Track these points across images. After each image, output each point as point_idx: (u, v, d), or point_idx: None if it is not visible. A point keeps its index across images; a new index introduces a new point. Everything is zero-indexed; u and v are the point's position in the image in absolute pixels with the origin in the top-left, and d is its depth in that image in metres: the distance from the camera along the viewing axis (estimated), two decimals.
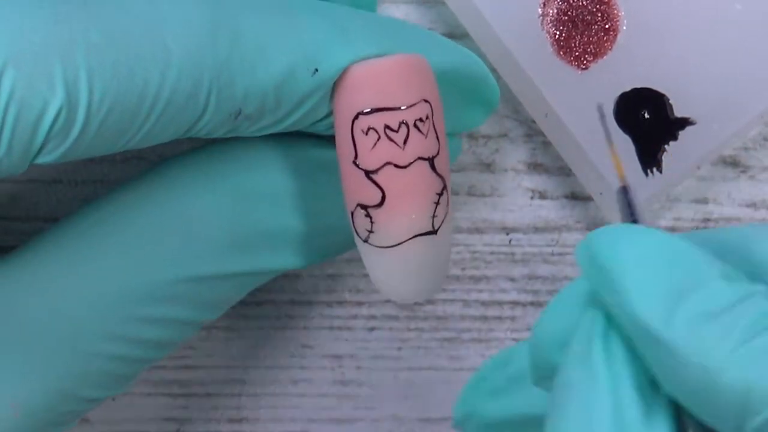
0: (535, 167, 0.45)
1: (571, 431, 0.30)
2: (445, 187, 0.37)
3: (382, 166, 0.36)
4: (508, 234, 0.46)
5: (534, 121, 0.44)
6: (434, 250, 0.37)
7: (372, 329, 0.46)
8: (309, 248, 0.40)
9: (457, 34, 0.45)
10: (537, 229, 0.45)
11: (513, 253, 0.46)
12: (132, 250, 0.37)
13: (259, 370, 0.46)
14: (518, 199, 0.45)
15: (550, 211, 0.45)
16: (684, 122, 0.42)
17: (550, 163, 0.45)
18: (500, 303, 0.46)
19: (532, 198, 0.45)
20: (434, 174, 0.36)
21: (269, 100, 0.35)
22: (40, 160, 0.33)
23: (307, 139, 0.39)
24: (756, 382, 0.28)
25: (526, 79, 0.42)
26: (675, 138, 0.42)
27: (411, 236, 0.36)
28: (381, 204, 0.36)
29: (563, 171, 0.45)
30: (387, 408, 0.46)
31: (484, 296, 0.46)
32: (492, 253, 0.46)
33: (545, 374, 0.33)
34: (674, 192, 0.45)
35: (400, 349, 0.46)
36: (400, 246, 0.36)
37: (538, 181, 0.45)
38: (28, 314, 0.37)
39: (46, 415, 0.37)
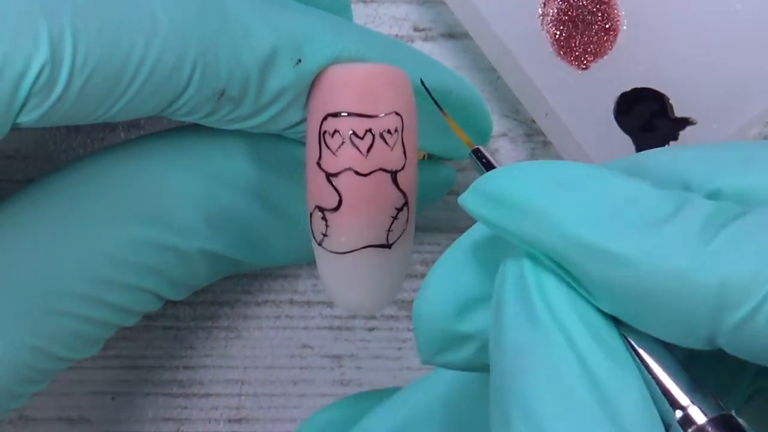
0: None
1: (547, 399, 0.28)
2: (406, 204, 0.36)
3: (343, 171, 0.36)
4: None
5: (534, 121, 0.44)
6: (386, 264, 0.37)
7: (372, 329, 0.46)
8: (277, 245, 0.40)
9: (457, 34, 0.45)
10: None
11: None
12: (102, 213, 0.38)
13: (259, 370, 0.46)
14: None
15: None
16: (684, 122, 0.42)
17: None
18: None
19: None
20: (395, 188, 0.36)
21: (252, 84, 0.35)
22: (22, 118, 0.33)
23: (283, 140, 0.39)
24: (731, 276, 0.27)
25: (526, 79, 0.42)
26: (675, 138, 0.42)
27: (362, 246, 0.36)
28: (337, 209, 0.36)
29: None
30: None
31: None
32: None
33: (443, 347, 0.32)
34: None
35: (400, 349, 0.46)
36: (350, 254, 0.36)
37: None
38: (0, 271, 0.37)
39: (22, 371, 0.37)
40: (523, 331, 0.29)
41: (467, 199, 0.30)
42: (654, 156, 0.31)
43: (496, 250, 0.32)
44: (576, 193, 0.29)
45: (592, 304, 0.29)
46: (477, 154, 0.33)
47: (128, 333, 0.46)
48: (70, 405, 0.46)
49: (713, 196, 0.30)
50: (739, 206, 0.29)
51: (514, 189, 0.29)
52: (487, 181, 0.30)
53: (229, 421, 0.46)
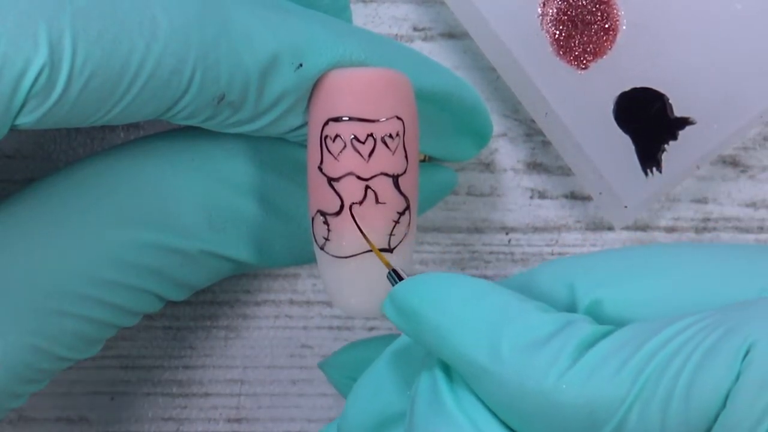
0: (534, 167, 0.45)
1: None
2: (408, 208, 0.37)
3: (344, 176, 0.36)
4: (507, 234, 0.46)
5: (533, 121, 0.44)
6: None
7: (372, 329, 0.46)
8: (278, 246, 0.40)
9: (457, 34, 0.45)
10: (536, 229, 0.45)
11: (512, 253, 0.46)
12: (103, 214, 0.38)
13: (259, 370, 0.46)
14: (518, 198, 0.45)
15: (549, 210, 0.45)
16: (684, 122, 0.42)
17: (550, 162, 0.45)
18: None
19: (531, 198, 0.45)
20: (397, 192, 0.36)
21: (252, 89, 0.35)
22: (20, 120, 0.33)
23: (285, 142, 0.39)
24: (593, 395, 0.29)
25: (525, 78, 0.42)
26: (675, 138, 0.42)
27: (364, 250, 0.36)
28: (339, 213, 0.36)
29: (563, 171, 0.45)
30: None
31: None
32: (491, 252, 0.46)
33: None
34: (674, 192, 0.45)
35: None
36: (352, 258, 0.36)
37: (537, 181, 0.45)
38: (1, 271, 0.37)
39: (22, 371, 0.37)
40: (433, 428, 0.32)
41: (386, 307, 0.34)
42: (546, 269, 0.34)
43: (418, 356, 0.35)
44: (466, 311, 0.32)
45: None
46: (395, 273, 0.35)
47: (128, 333, 0.46)
48: (69, 405, 0.46)
49: (595, 305, 0.33)
50: (612, 325, 0.31)
51: (415, 302, 0.32)
52: (396, 292, 0.33)
53: (229, 420, 0.46)
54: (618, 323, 0.32)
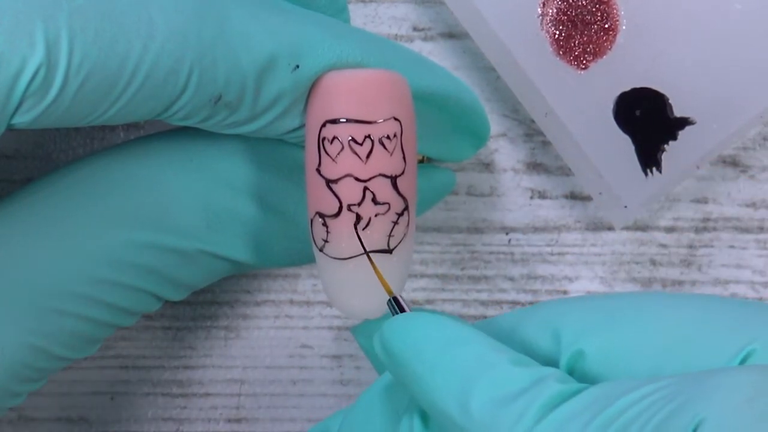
0: (534, 167, 0.45)
1: None
2: (406, 208, 0.37)
3: (342, 177, 0.36)
4: (507, 234, 0.46)
5: (533, 121, 0.44)
6: (387, 269, 0.37)
7: None
8: (277, 246, 0.40)
9: (457, 34, 0.45)
10: (536, 229, 0.45)
11: (512, 253, 0.46)
12: (101, 213, 0.38)
13: (259, 370, 0.46)
14: (517, 198, 0.45)
15: (549, 210, 0.45)
16: (684, 122, 0.42)
17: (550, 162, 0.45)
18: (499, 303, 0.46)
19: (531, 198, 0.45)
20: (395, 193, 0.36)
21: (249, 90, 0.35)
22: (17, 119, 0.33)
23: (283, 143, 0.39)
24: None
25: (525, 79, 0.42)
26: (675, 138, 0.42)
27: (363, 252, 0.36)
28: (338, 215, 0.36)
29: (563, 171, 0.45)
30: None
31: (483, 296, 0.46)
32: (491, 252, 0.46)
33: None
34: (674, 192, 0.45)
35: None
36: (352, 260, 0.36)
37: (537, 181, 0.45)
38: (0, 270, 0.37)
39: (20, 370, 0.37)
40: None
41: (376, 344, 0.34)
42: (536, 313, 0.35)
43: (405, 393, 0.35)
44: (441, 360, 0.32)
45: None
46: (395, 301, 0.35)
47: (128, 333, 0.46)
48: (69, 405, 0.46)
49: (578, 356, 0.33)
50: (592, 377, 0.32)
51: (397, 346, 0.33)
52: (383, 332, 0.33)
53: (229, 420, 0.46)
54: (598, 376, 0.32)
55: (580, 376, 0.33)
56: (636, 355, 0.33)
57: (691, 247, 0.45)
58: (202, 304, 0.46)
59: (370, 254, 0.36)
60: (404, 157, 0.36)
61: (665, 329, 0.33)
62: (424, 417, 0.33)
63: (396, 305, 0.35)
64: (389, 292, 0.35)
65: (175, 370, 0.46)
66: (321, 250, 0.36)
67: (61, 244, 0.37)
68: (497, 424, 0.30)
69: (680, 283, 0.45)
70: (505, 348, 0.32)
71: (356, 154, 0.35)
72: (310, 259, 0.38)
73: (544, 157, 0.45)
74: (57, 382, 0.46)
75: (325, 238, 0.36)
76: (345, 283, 0.36)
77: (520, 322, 0.35)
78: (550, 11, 0.43)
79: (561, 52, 0.43)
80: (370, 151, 0.36)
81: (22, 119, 0.33)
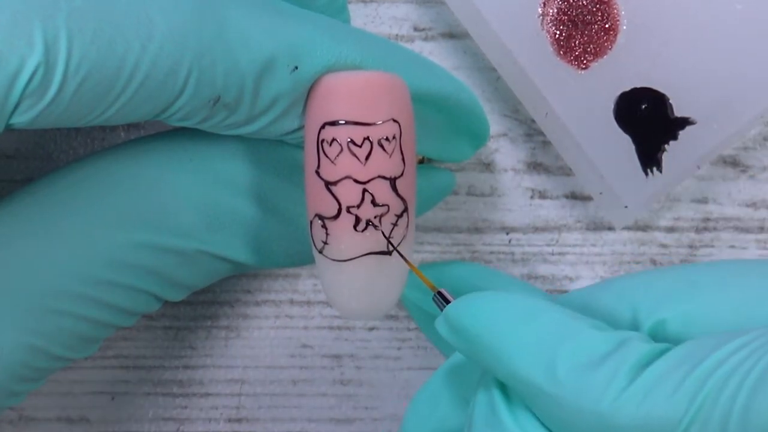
0: (534, 167, 0.45)
1: None
2: (406, 210, 0.37)
3: (341, 179, 0.36)
4: (507, 234, 0.46)
5: (534, 121, 0.44)
6: (387, 270, 0.37)
7: (372, 329, 0.46)
8: (276, 247, 0.40)
9: (457, 34, 0.45)
10: (536, 229, 0.45)
11: (512, 253, 0.46)
12: (101, 214, 0.38)
13: (259, 370, 0.46)
14: (518, 198, 0.45)
15: (549, 210, 0.45)
16: (684, 122, 0.42)
17: (550, 162, 0.45)
18: None
19: (531, 198, 0.45)
20: (394, 194, 0.36)
21: (248, 91, 0.35)
22: (15, 120, 0.33)
23: (283, 143, 0.39)
24: (650, 416, 0.29)
25: (526, 78, 0.42)
26: (675, 138, 0.42)
27: (363, 253, 0.36)
28: (337, 217, 0.36)
29: (563, 171, 0.45)
30: (387, 408, 0.46)
31: None
32: (491, 252, 0.46)
33: None
34: (674, 192, 0.45)
35: (400, 349, 0.46)
36: (351, 261, 0.36)
37: (537, 181, 0.45)
38: None
39: (19, 370, 0.37)
40: None
41: (440, 325, 0.34)
42: (610, 288, 0.35)
43: (473, 373, 0.35)
44: (520, 332, 0.32)
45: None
46: (441, 296, 0.35)
47: (128, 333, 0.46)
48: (69, 405, 0.46)
49: (659, 325, 0.33)
50: (672, 342, 0.32)
51: (469, 322, 0.33)
52: (449, 311, 0.33)
53: (229, 420, 0.46)
54: (680, 340, 0.32)
55: (662, 341, 0.33)
56: (718, 317, 0.33)
57: (691, 247, 0.45)
58: (202, 304, 0.46)
59: (370, 255, 0.36)
60: (403, 159, 0.36)
61: (745, 289, 0.33)
62: (503, 389, 0.33)
63: (442, 299, 0.35)
64: (432, 288, 0.36)
65: (176, 370, 0.46)
66: (320, 251, 0.36)
67: (61, 244, 0.37)
68: (588, 387, 0.30)
69: None
70: (582, 316, 0.32)
71: (355, 155, 0.35)
72: (310, 260, 0.38)
73: (544, 157, 0.45)
74: (57, 382, 0.46)
75: (324, 240, 0.36)
76: (344, 285, 0.36)
77: (592, 297, 0.35)
78: (551, 11, 0.43)
79: (561, 52, 0.43)
80: (369, 153, 0.36)
81: (20, 119, 0.33)
